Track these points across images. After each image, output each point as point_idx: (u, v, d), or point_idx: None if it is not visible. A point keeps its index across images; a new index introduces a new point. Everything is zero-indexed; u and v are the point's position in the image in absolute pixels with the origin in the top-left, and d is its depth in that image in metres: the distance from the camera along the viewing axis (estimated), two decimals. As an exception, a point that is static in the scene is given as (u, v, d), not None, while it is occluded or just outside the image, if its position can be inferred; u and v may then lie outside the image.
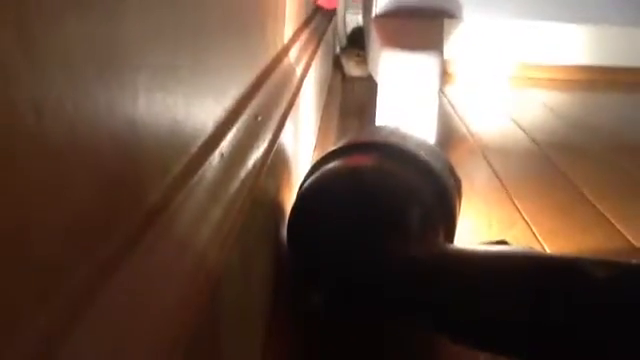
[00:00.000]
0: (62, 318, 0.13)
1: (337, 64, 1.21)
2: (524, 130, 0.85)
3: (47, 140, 0.13)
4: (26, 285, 0.12)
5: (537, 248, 0.49)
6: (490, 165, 0.70)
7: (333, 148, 0.41)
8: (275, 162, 0.36)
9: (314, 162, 0.41)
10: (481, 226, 0.54)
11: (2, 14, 0.11)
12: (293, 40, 0.56)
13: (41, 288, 0.13)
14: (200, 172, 0.24)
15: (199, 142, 0.25)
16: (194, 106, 0.24)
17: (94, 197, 0.15)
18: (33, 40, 0.12)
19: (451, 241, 0.39)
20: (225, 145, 0.27)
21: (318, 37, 0.77)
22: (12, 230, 0.12)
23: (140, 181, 0.19)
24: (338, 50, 1.23)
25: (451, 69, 1.23)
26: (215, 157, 0.26)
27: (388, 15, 0.77)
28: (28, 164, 0.12)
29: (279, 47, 0.48)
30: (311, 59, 0.63)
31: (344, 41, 1.19)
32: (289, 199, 0.41)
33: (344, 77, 1.17)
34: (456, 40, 1.11)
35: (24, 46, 0.12)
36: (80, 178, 0.14)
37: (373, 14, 0.79)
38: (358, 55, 1.12)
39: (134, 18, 0.17)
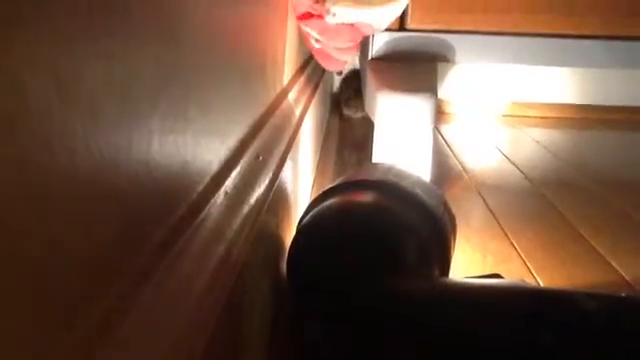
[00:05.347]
0: (86, 343, 0.15)
1: (335, 104, 1.24)
2: (518, 167, 0.87)
3: (77, 177, 0.14)
4: (53, 312, 0.13)
5: (531, 282, 0.49)
6: (485, 201, 0.72)
7: (331, 185, 0.43)
8: (276, 199, 0.37)
9: (313, 199, 0.43)
10: (476, 261, 0.55)
11: (44, 63, 0.12)
12: (292, 82, 0.58)
13: (67, 315, 0.14)
14: (206, 210, 0.25)
15: (205, 181, 0.26)
16: (201, 147, 0.26)
17: (112, 232, 0.17)
18: (65, 86, 0.13)
19: (446, 275, 0.40)
20: (229, 184, 0.29)
21: (316, 79, 0.80)
22: (44, 262, 0.13)
23: (151, 218, 0.20)
24: (336, 90, 1.27)
25: (447, 109, 1.26)
26: (220, 195, 0.27)
27: (384, 58, 0.80)
28: (60, 199, 0.13)
29: (279, 89, 0.50)
30: (309, 100, 0.65)
31: (338, 85, 1.24)
32: (289, 234, 0.43)
33: (342, 117, 1.20)
34: (451, 81, 1.15)
35: (58, 91, 0.13)
36: (101, 214, 0.16)
37: (369, 57, 0.82)
38: (356, 106, 1.16)
39: (149, 69, 0.19)
